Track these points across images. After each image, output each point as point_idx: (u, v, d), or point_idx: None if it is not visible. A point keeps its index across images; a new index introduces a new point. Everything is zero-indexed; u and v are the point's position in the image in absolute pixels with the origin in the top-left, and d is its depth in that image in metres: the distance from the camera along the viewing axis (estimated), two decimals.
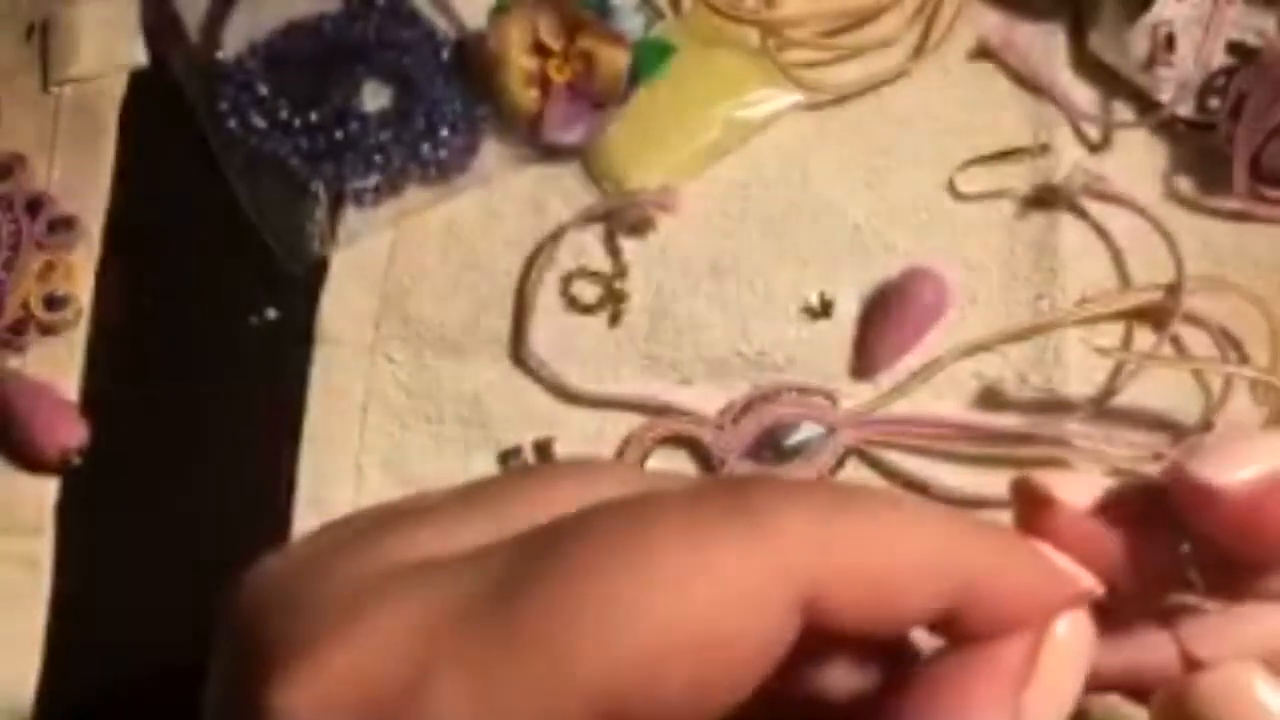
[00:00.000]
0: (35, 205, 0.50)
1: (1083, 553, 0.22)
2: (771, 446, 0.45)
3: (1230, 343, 0.45)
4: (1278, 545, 0.21)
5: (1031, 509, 0.23)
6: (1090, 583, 0.22)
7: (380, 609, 0.20)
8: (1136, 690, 0.23)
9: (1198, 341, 0.46)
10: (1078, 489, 0.23)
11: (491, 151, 0.50)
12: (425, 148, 0.49)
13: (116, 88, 0.52)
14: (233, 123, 0.50)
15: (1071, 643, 0.22)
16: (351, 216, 0.49)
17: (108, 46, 0.53)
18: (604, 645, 0.19)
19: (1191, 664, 0.21)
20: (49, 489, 0.48)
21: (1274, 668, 0.21)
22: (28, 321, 0.49)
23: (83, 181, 0.51)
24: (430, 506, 0.23)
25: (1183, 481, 0.22)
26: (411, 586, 0.20)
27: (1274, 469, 0.21)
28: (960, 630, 0.21)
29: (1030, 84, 0.49)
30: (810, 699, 0.23)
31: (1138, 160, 0.48)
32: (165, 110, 0.52)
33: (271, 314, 0.49)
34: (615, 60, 0.48)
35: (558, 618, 0.19)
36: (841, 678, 0.23)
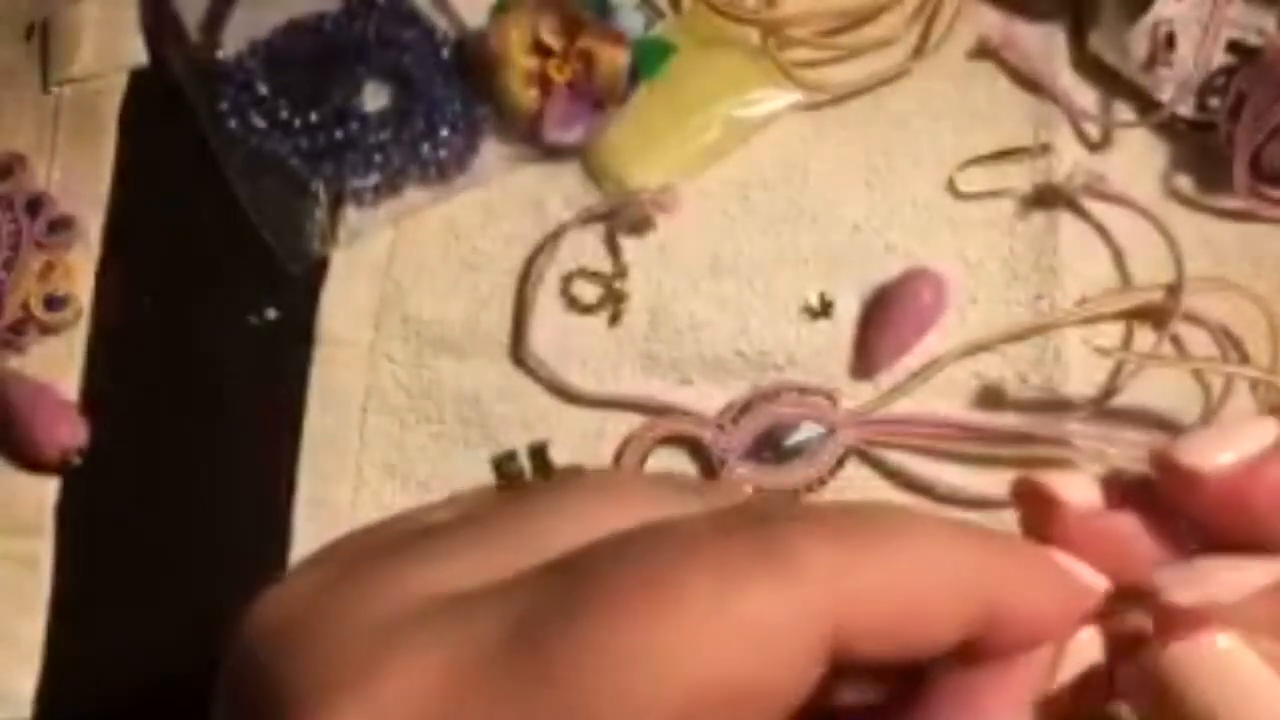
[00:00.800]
0: (35, 205, 0.50)
1: (1091, 551, 0.22)
2: (771, 446, 0.45)
3: (1230, 342, 0.45)
4: (1262, 524, 0.22)
5: (1036, 510, 0.23)
6: (1107, 589, 0.22)
7: (399, 658, 0.19)
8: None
9: (1198, 341, 0.46)
10: (1081, 488, 0.23)
11: (491, 151, 0.50)
12: (425, 148, 0.49)
13: (116, 88, 0.52)
14: (233, 123, 0.50)
15: (1088, 651, 0.22)
16: (351, 216, 0.49)
17: (108, 46, 0.53)
18: (631, 697, 0.19)
19: (1166, 612, 0.21)
20: (49, 489, 0.48)
21: (1248, 613, 0.21)
22: (28, 321, 0.49)
23: (83, 181, 0.51)
24: (438, 532, 0.22)
25: (1168, 469, 0.22)
26: (429, 633, 0.20)
27: (1253, 452, 0.22)
28: (981, 650, 0.21)
29: (1030, 84, 0.49)
30: (819, 707, 0.23)
31: (1138, 160, 0.48)
32: (165, 110, 0.52)
33: (271, 314, 0.49)
34: (615, 60, 0.48)
35: (584, 669, 0.19)
36: (853, 687, 0.23)
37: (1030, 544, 0.23)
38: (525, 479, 0.26)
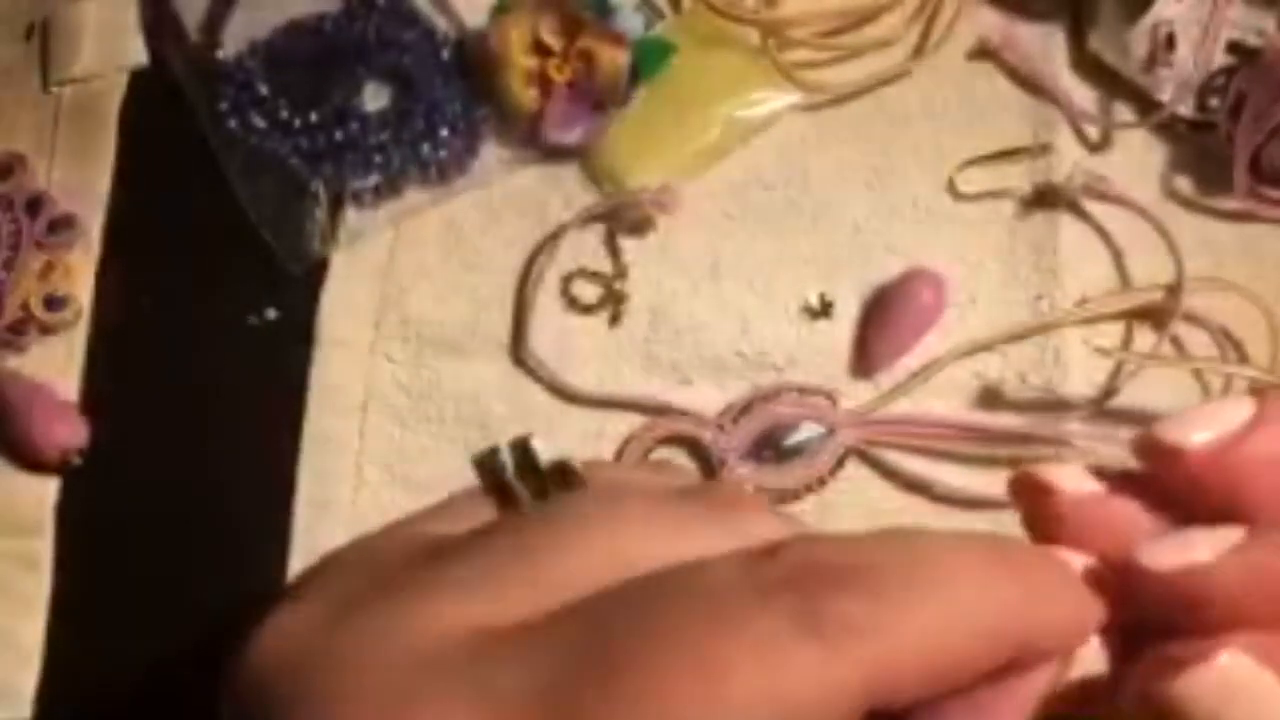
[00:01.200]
0: (35, 205, 0.50)
1: (1091, 537, 0.23)
2: (771, 446, 0.45)
3: (1230, 342, 0.45)
4: (1243, 497, 0.22)
5: (1034, 504, 0.23)
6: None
7: (421, 715, 0.19)
8: None
9: (1198, 341, 0.46)
10: (1075, 476, 0.24)
11: (491, 152, 0.50)
12: (425, 148, 0.49)
13: (116, 88, 0.52)
14: (233, 123, 0.50)
15: (1092, 657, 0.22)
16: (351, 216, 0.49)
17: (108, 46, 0.52)
18: None
19: (1145, 577, 0.21)
20: (49, 489, 0.48)
21: (1226, 576, 0.21)
22: (28, 321, 0.49)
23: (83, 181, 0.51)
24: (448, 557, 0.22)
25: (1152, 448, 0.23)
26: (451, 686, 0.19)
27: (1230, 429, 0.22)
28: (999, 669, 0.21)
29: (1030, 84, 0.49)
30: None
31: (1138, 160, 0.48)
32: (165, 110, 0.52)
33: (271, 314, 0.49)
34: (615, 60, 0.48)
35: None
36: None
37: (1050, 558, 0.23)
38: (508, 476, 0.26)
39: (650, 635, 0.19)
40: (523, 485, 0.25)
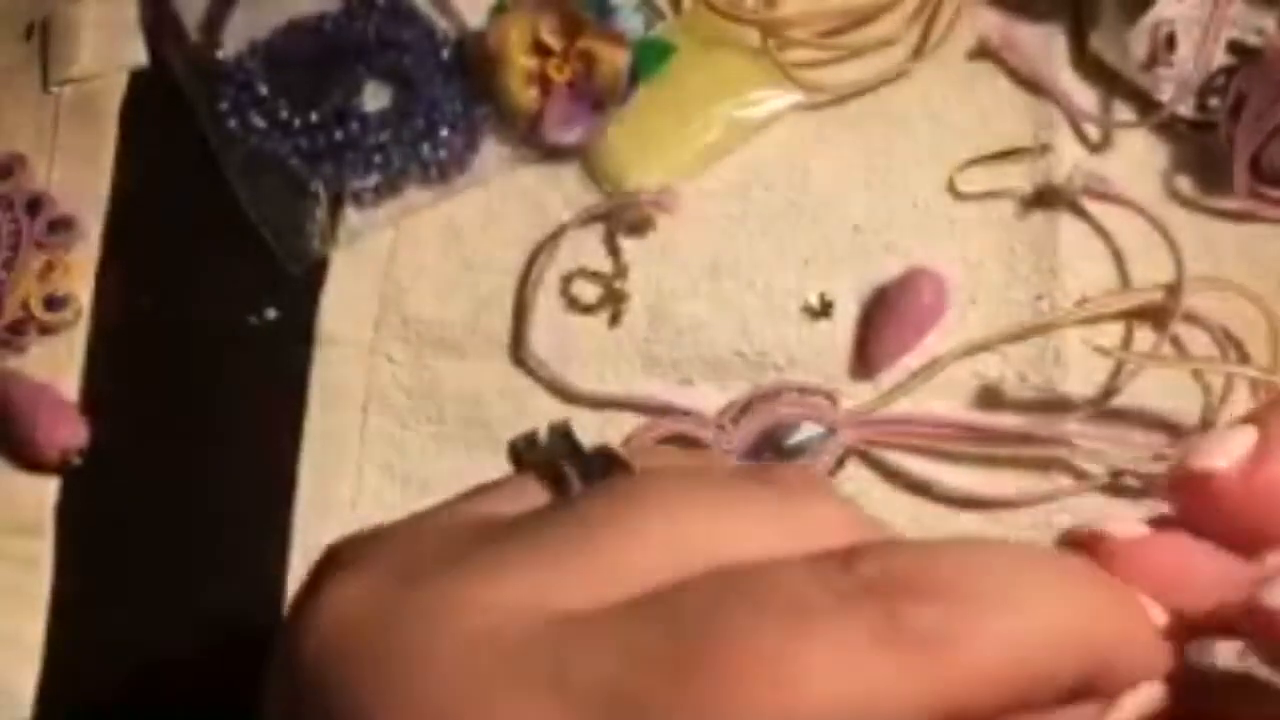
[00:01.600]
0: (35, 205, 0.50)
1: (1151, 579, 0.22)
2: (772, 446, 0.45)
3: (1231, 342, 0.45)
4: (1275, 518, 0.22)
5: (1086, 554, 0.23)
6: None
7: (499, 708, 0.19)
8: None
9: (1198, 341, 0.46)
10: (1126, 522, 0.23)
11: (491, 151, 0.50)
12: (425, 148, 0.49)
13: (116, 88, 0.52)
14: (233, 123, 0.50)
15: (1150, 698, 0.22)
16: (351, 216, 0.49)
17: (108, 46, 0.52)
18: None
19: (1263, 620, 0.21)
20: (49, 489, 0.48)
21: None
22: (28, 321, 0.49)
23: (83, 181, 0.51)
24: (510, 535, 0.22)
25: (1181, 477, 0.23)
26: (529, 678, 0.19)
27: (1246, 452, 0.23)
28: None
29: (1030, 84, 0.49)
30: None
31: (1138, 160, 0.48)
32: (165, 110, 0.52)
33: (271, 314, 0.49)
34: (615, 60, 0.48)
35: None
36: None
37: (1122, 584, 0.22)
38: (553, 458, 0.25)
39: (726, 638, 0.19)
40: (570, 468, 0.25)
